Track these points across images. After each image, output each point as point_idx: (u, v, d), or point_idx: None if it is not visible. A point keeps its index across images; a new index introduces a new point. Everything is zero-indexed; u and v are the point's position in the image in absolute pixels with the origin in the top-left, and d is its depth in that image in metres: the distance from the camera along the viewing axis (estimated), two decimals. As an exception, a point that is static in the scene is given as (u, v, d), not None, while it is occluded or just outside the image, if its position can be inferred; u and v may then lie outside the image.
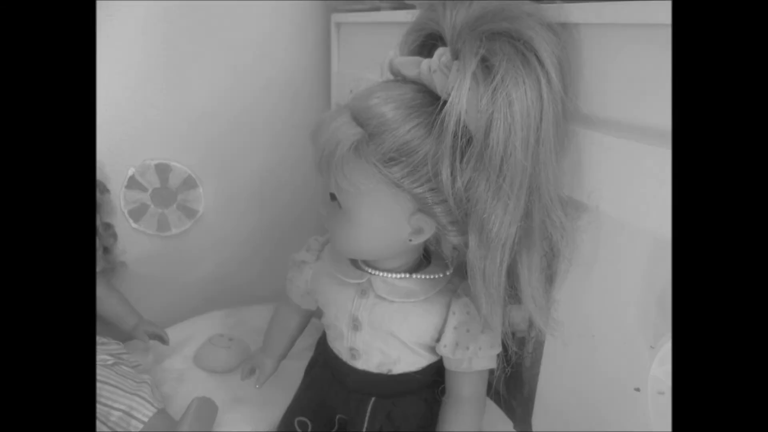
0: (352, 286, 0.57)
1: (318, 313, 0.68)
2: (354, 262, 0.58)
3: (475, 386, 0.58)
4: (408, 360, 0.58)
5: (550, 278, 0.51)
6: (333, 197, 0.51)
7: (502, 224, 0.44)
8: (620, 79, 0.42)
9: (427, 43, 0.50)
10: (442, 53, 0.45)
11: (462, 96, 0.42)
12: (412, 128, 0.45)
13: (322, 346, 0.67)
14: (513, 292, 0.49)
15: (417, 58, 0.48)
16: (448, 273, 0.56)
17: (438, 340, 0.56)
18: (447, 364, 0.58)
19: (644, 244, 0.41)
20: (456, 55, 0.45)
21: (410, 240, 0.51)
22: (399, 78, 0.50)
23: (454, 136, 0.43)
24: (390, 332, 0.56)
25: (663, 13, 0.34)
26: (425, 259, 0.59)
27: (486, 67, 0.42)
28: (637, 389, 0.44)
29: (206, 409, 0.71)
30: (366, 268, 0.57)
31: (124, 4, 0.82)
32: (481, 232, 0.45)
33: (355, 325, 0.57)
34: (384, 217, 0.50)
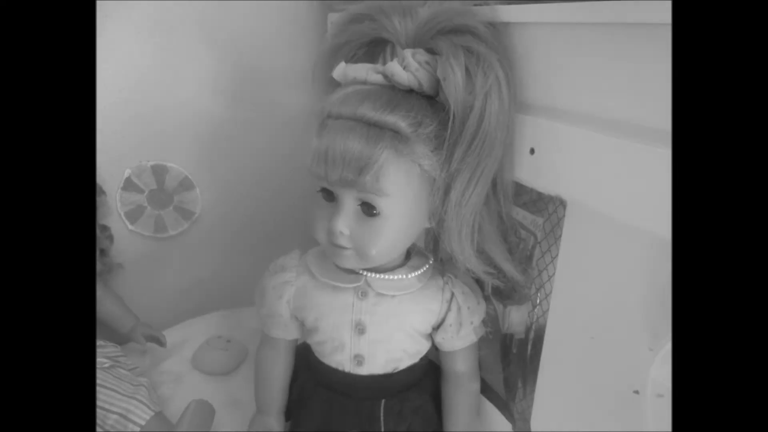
0: (350, 291, 0.57)
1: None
2: (345, 268, 0.57)
3: (473, 359, 0.63)
4: (411, 352, 0.60)
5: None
6: (367, 209, 0.51)
7: (472, 208, 0.51)
8: (617, 78, 0.41)
9: (367, 51, 0.56)
10: (414, 53, 0.50)
11: (460, 86, 0.48)
12: (431, 125, 0.49)
13: (305, 375, 0.65)
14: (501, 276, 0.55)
15: (368, 65, 0.53)
16: (431, 262, 0.60)
17: (438, 324, 0.60)
18: (446, 346, 0.62)
19: (644, 244, 0.41)
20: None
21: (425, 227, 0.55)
22: (363, 83, 0.52)
23: (453, 125, 0.49)
24: (396, 326, 0.58)
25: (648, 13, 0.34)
26: (408, 253, 0.61)
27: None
28: (636, 392, 0.44)
29: (204, 412, 0.71)
30: (360, 271, 0.57)
31: (122, 5, 0.81)
32: (458, 214, 0.50)
33: (360, 329, 0.58)
34: (417, 210, 0.53)
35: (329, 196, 0.53)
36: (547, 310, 0.53)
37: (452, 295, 0.59)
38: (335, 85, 0.56)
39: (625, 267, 0.44)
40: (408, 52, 0.51)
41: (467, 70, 0.48)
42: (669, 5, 0.33)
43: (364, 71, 0.52)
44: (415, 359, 0.62)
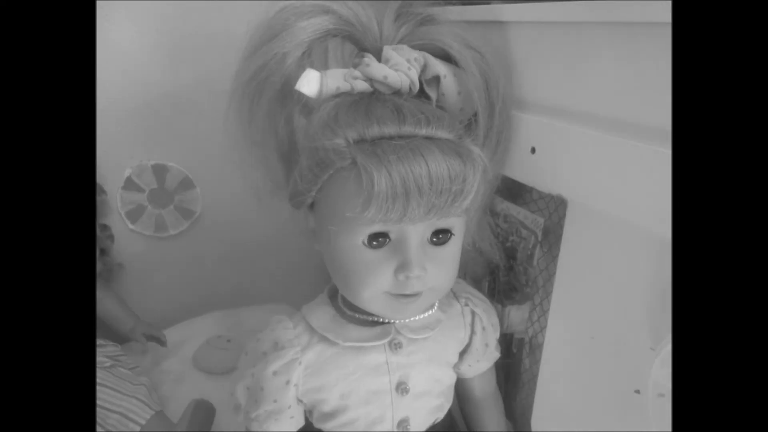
0: (378, 348, 0.48)
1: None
2: (366, 321, 0.49)
3: (494, 377, 0.60)
4: (447, 394, 0.54)
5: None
6: (443, 236, 0.44)
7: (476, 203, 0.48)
8: (617, 77, 0.41)
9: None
10: (397, 50, 0.45)
11: (479, 83, 0.47)
12: (473, 127, 0.49)
13: None
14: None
15: (343, 70, 0.44)
16: None
17: (465, 349, 0.55)
18: (471, 372, 0.56)
19: (645, 244, 0.41)
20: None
21: None
22: (348, 94, 0.45)
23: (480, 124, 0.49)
24: (437, 369, 0.52)
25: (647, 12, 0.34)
26: None
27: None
28: (638, 391, 0.44)
29: (204, 411, 0.71)
30: (385, 320, 0.49)
31: (122, 5, 0.81)
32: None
33: (402, 389, 0.49)
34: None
35: (380, 240, 0.42)
36: (548, 309, 0.53)
37: (473, 315, 0.54)
38: (282, 98, 0.48)
39: (626, 266, 0.44)
40: (390, 49, 0.45)
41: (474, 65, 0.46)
42: (669, 5, 0.33)
43: (343, 78, 0.44)
44: (450, 399, 0.55)
